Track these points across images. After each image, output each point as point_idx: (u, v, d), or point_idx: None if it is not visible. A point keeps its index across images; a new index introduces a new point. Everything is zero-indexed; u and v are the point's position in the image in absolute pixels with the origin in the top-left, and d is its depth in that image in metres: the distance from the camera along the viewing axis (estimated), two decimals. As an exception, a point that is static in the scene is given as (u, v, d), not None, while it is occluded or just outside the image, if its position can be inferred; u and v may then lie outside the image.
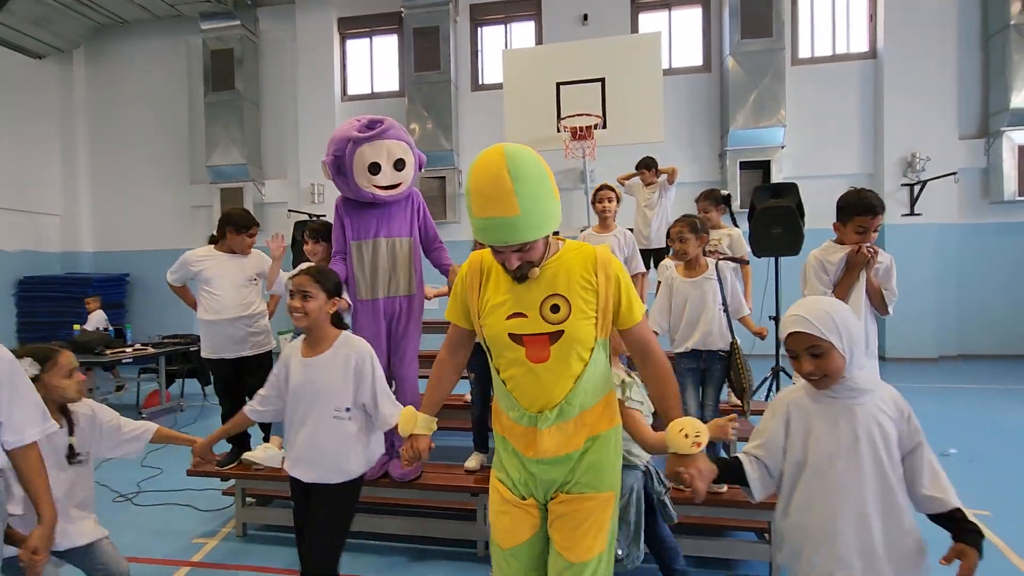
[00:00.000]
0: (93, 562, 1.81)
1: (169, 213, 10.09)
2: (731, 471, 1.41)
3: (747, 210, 4.81)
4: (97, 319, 6.54)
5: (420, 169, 2.73)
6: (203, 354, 3.17)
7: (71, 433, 1.78)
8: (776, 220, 4.37)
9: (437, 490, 2.78)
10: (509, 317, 1.43)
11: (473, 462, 2.89)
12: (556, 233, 1.50)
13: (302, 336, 1.90)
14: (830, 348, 1.27)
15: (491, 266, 1.49)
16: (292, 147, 9.55)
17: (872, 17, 8.09)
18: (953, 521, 1.26)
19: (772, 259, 4.61)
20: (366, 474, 2.71)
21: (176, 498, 3.42)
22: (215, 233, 3.20)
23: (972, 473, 3.46)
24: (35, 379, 1.60)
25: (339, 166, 2.56)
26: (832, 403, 1.32)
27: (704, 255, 2.74)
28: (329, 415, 1.80)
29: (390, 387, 2.68)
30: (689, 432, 1.35)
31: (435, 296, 3.26)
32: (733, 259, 3.70)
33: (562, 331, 1.39)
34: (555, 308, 1.40)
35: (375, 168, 2.54)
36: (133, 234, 10.10)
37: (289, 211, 8.79)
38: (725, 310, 2.59)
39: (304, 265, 2.75)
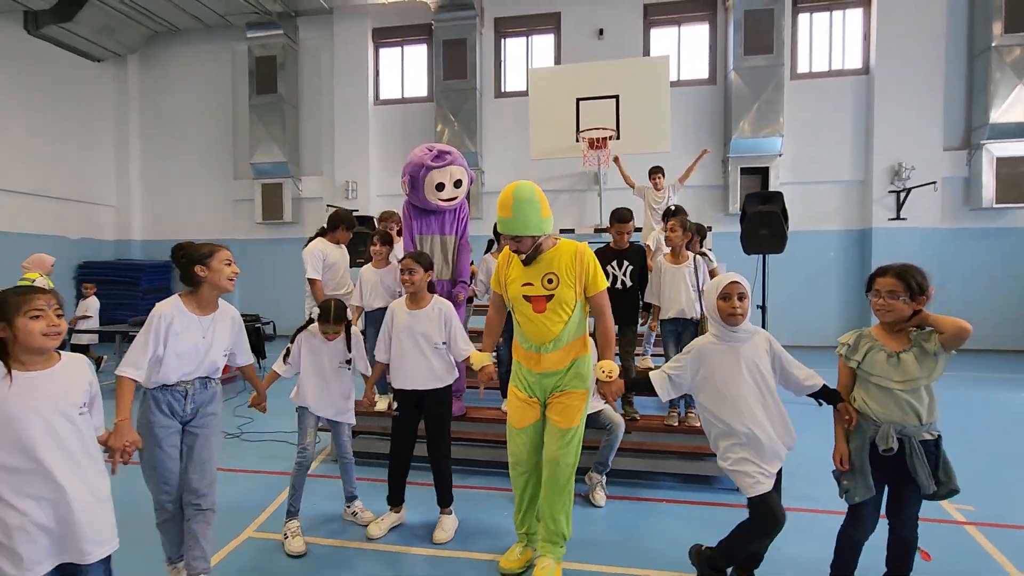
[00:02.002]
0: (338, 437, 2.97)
1: (213, 206, 10.95)
2: (639, 385, 2.42)
3: (740, 214, 5.58)
4: (91, 306, 6.88)
5: (471, 183, 3.62)
6: None
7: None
8: (763, 223, 5.15)
9: (481, 422, 3.71)
10: (523, 285, 2.34)
11: (505, 405, 3.75)
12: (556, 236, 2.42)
13: (404, 296, 2.82)
14: (748, 297, 2.11)
15: (513, 257, 2.40)
16: (328, 146, 10.38)
17: (866, 36, 8.75)
18: (824, 392, 2.08)
19: (760, 256, 5.40)
20: None
21: (273, 437, 4.28)
22: (325, 227, 4.05)
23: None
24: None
25: (413, 183, 3.45)
26: (729, 345, 2.11)
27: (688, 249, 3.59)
28: (433, 346, 2.71)
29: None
30: (605, 368, 2.24)
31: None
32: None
33: (553, 294, 2.29)
34: (551, 280, 2.30)
35: (440, 187, 3.47)
36: (180, 224, 10.93)
37: (327, 206, 9.61)
38: (697, 290, 3.47)
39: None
